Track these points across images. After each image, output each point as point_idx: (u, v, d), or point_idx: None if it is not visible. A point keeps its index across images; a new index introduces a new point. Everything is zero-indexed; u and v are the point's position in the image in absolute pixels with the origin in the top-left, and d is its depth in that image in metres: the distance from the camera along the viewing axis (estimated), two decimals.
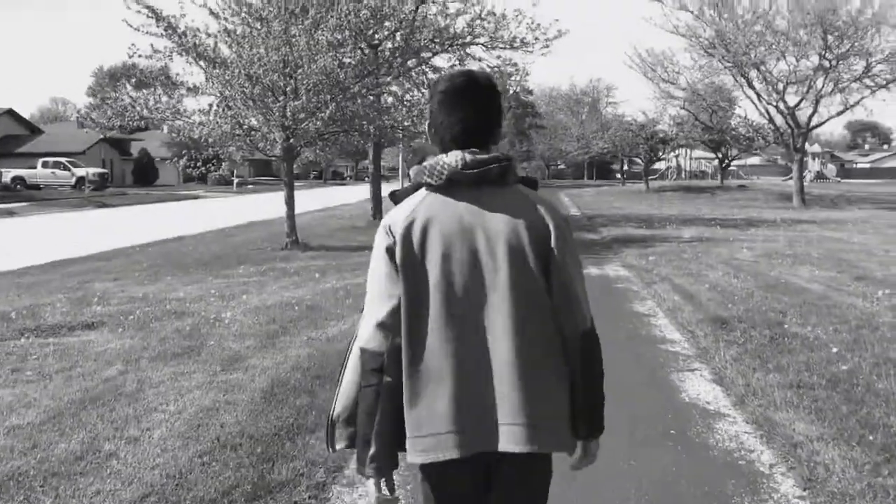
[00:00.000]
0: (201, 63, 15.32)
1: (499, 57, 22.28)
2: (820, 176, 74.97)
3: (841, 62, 32.57)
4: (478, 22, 19.89)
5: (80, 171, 50.28)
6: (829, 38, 31.52)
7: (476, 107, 2.24)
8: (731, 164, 55.86)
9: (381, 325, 2.16)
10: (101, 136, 58.12)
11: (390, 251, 2.16)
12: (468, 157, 2.15)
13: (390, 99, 16.90)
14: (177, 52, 15.32)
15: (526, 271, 2.14)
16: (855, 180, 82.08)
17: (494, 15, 19.78)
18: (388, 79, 17.44)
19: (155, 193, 48.42)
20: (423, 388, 2.14)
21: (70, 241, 18.37)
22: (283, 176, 16.07)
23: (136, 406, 5.61)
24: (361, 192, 48.20)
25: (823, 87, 33.08)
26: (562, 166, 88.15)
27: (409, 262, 2.13)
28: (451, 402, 2.12)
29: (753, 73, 33.13)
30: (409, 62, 19.47)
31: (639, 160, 67.88)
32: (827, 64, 32.31)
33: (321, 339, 7.60)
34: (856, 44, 32.08)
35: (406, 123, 16.24)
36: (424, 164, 2.21)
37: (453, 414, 2.12)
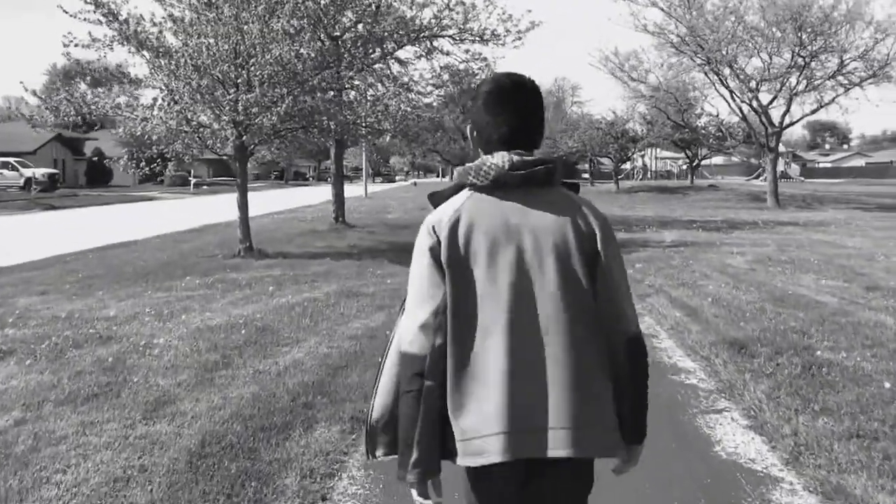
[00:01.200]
0: (145, 53, 13.96)
1: (467, 51, 21.12)
2: (784, 175, 74.89)
3: (814, 59, 31.92)
4: (446, 12, 18.69)
5: (29, 172, 48.12)
6: (803, 34, 30.83)
7: (523, 108, 2.23)
8: (702, 163, 55.27)
9: (424, 327, 2.12)
10: (53, 136, 56.22)
11: (434, 251, 2.13)
12: (515, 158, 2.14)
13: (353, 94, 15.54)
14: (118, 40, 13.95)
15: (573, 273, 2.11)
16: (818, 180, 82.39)
17: (464, 4, 18.58)
18: (351, 73, 16.14)
19: (108, 195, 46.51)
20: (471, 392, 2.10)
21: (5, 248, 16.83)
22: (237, 177, 14.70)
23: (24, 475, 4.31)
24: (324, 193, 46.78)
25: (797, 84, 32.41)
26: None
27: (454, 263, 2.11)
28: (499, 405, 2.06)
29: (727, 71, 32.34)
30: (372, 54, 18.21)
31: (606, 160, 67.33)
32: (801, 61, 31.63)
33: (270, 373, 6.32)
34: (829, 40, 31.46)
35: (370, 119, 14.94)
36: (469, 164, 2.19)
37: (502, 417, 2.06)
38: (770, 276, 11.41)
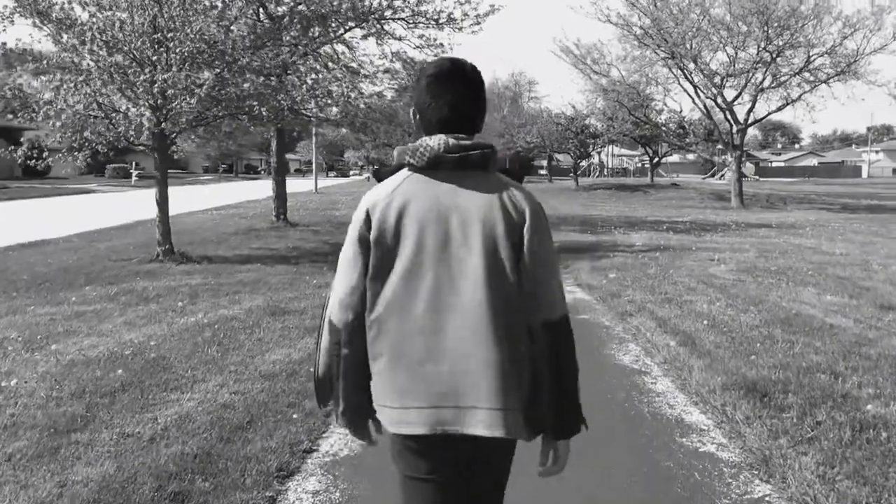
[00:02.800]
0: (48, 26, 12.11)
1: (421, 36, 19.48)
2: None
3: (780, 55, 30.87)
4: None
5: None
6: (769, 28, 29.73)
7: (463, 93, 2.25)
8: (662, 160, 54.29)
9: (341, 302, 2.20)
10: None
11: (364, 230, 2.18)
12: (451, 140, 2.18)
13: (292, 78, 13.72)
14: (18, 12, 12.09)
15: (498, 257, 2.13)
16: (771, 178, 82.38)
17: None
18: (294, 57, 14.37)
19: (41, 188, 43.83)
20: (392, 367, 2.16)
21: None
22: (155, 169, 12.86)
23: None
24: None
25: (763, 80, 31.34)
26: None
27: (382, 242, 2.16)
28: (418, 381, 2.14)
29: (691, 66, 31.14)
30: (316, 37, 16.45)
31: (562, 157, 66.13)
32: (766, 56, 30.55)
33: (141, 438, 4.63)
34: (796, 35, 30.43)
35: (309, 105, 13.20)
36: (408, 145, 2.23)
37: (420, 392, 2.13)
38: (764, 289, 9.98)
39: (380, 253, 2.15)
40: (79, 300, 9.23)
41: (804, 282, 10.57)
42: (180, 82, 11.10)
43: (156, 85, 11.24)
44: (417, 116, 2.29)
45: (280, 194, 20.40)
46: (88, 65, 11.42)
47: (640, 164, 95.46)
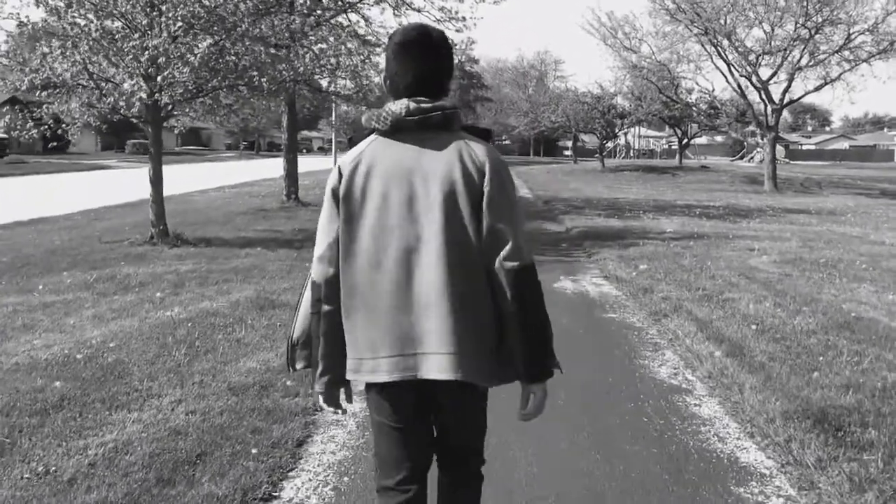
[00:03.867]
0: None
1: (442, 8, 18.38)
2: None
3: (819, 32, 29.38)
4: None
5: None
6: (808, 3, 28.24)
7: (427, 59, 2.34)
8: (691, 142, 52.78)
9: (321, 258, 2.36)
10: (7, 97, 52.44)
11: (335, 190, 2.33)
12: (412, 105, 2.28)
13: (299, 50, 12.61)
14: None
15: (458, 211, 2.24)
16: (802, 162, 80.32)
17: None
18: (305, 27, 13.34)
19: (59, 163, 43.25)
20: (356, 316, 2.31)
21: None
22: (150, 146, 11.92)
23: None
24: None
25: (801, 58, 29.89)
26: (507, 142, 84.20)
27: (349, 201, 2.29)
28: (379, 329, 2.27)
29: (725, 42, 29.75)
30: (327, 3, 15.42)
31: (586, 137, 64.61)
32: (805, 33, 29.08)
33: (60, 476, 3.70)
34: (836, 11, 28.93)
35: (317, 76, 12.19)
36: (373, 110, 2.36)
37: (380, 341, 2.27)
38: (814, 285, 8.92)
39: (349, 209, 2.29)
40: (51, 288, 8.35)
41: (858, 277, 9.48)
42: (174, 49, 10.14)
43: (146, 52, 10.30)
44: (387, 82, 2.40)
45: (291, 173, 19.44)
46: (74, 29, 10.47)
47: (667, 146, 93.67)
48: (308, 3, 14.30)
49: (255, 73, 10.81)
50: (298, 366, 2.52)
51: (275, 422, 4.46)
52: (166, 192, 20.76)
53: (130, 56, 10.31)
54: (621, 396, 5.17)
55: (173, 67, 10.31)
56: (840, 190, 32.90)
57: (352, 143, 2.44)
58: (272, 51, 11.56)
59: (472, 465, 2.55)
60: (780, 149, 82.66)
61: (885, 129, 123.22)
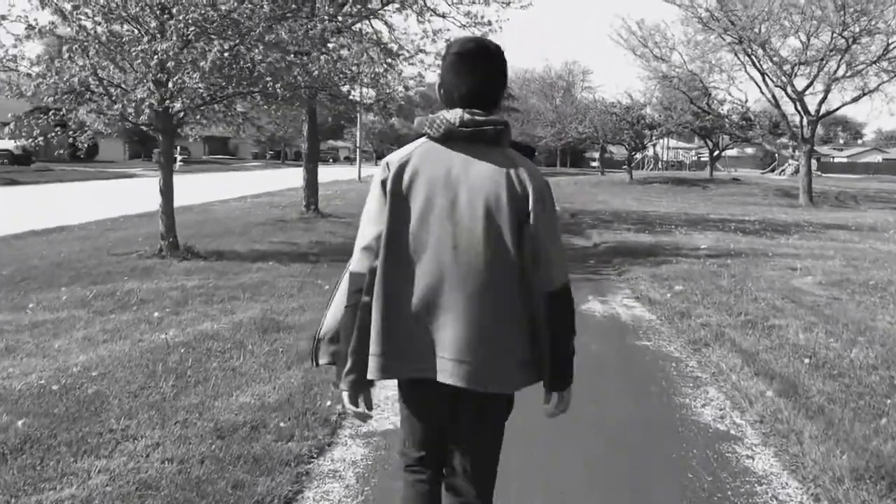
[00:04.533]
0: None
1: (467, 14, 17.83)
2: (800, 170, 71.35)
3: (856, 42, 28.48)
4: None
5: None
6: (846, 14, 27.34)
7: (483, 71, 2.40)
8: (722, 154, 51.76)
9: (367, 248, 2.37)
10: (34, 106, 52.54)
11: (384, 183, 2.36)
12: (466, 115, 2.33)
13: (321, 57, 11.95)
14: None
15: (499, 227, 2.30)
16: (834, 175, 78.75)
17: None
18: (327, 33, 12.80)
19: (85, 171, 43.28)
20: (388, 313, 2.33)
21: None
22: (160, 156, 11.46)
23: None
24: (320, 175, 43.47)
25: (838, 68, 29.00)
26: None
27: (395, 196, 2.34)
28: (412, 332, 2.33)
29: (760, 52, 28.93)
30: (350, 10, 14.89)
31: (614, 149, 63.67)
32: (842, 43, 28.19)
33: None
34: (874, 20, 28.04)
35: (338, 85, 11.65)
36: (428, 116, 2.40)
37: (413, 343, 2.33)
38: (866, 311, 8.21)
39: (393, 204, 2.33)
40: (46, 305, 7.85)
41: None
42: (184, 55, 9.64)
43: (156, 56, 9.82)
44: (442, 91, 2.47)
45: (311, 183, 18.93)
46: (81, 33, 10.03)
47: (695, 157, 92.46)
48: (329, 8, 13.79)
49: (270, 79, 10.28)
50: (322, 360, 2.56)
51: (262, 473, 3.87)
52: (188, 201, 20.43)
53: (139, 61, 9.82)
54: (661, 445, 4.53)
55: (183, 73, 9.81)
56: (877, 204, 31.91)
57: (399, 145, 2.51)
58: (290, 57, 11.02)
59: (481, 485, 2.55)
60: (812, 161, 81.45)
61: None
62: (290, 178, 42.11)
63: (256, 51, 10.42)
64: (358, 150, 45.85)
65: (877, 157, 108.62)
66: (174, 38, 9.53)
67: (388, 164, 2.38)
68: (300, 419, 4.62)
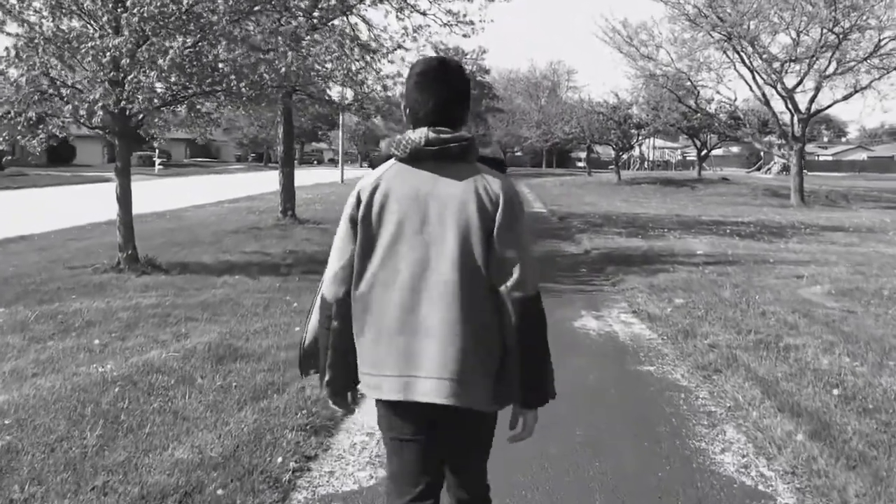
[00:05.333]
0: None
1: (449, 11, 17.10)
2: (787, 168, 70.94)
3: (846, 38, 27.88)
4: None
5: None
6: (837, 9, 26.72)
7: (446, 89, 2.43)
8: (710, 153, 51.18)
9: (334, 277, 2.42)
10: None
11: (353, 212, 2.39)
12: (431, 134, 2.36)
13: (290, 55, 10.97)
14: None
15: (469, 241, 2.31)
16: (820, 173, 78.40)
17: None
18: (301, 30, 11.98)
19: (61, 175, 42.28)
20: (365, 334, 2.39)
21: None
22: (117, 160, 10.63)
23: None
24: (300, 177, 42.56)
25: (828, 66, 28.40)
26: (518, 153, 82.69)
27: (366, 223, 2.37)
28: (383, 349, 2.36)
29: (749, 49, 28.30)
30: (327, 2, 14.09)
31: (599, 149, 63.03)
32: (834, 39, 27.59)
33: None
34: (864, 16, 27.46)
35: (307, 77, 10.82)
36: (394, 137, 2.46)
37: (384, 360, 2.36)
38: (886, 325, 7.49)
39: (365, 232, 2.37)
40: None
41: None
42: (141, 52, 8.82)
43: (107, 53, 8.99)
44: (407, 110, 2.48)
45: (287, 187, 18.05)
46: (23, 27, 9.20)
47: (681, 157, 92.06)
48: (304, 3, 13.00)
49: (234, 78, 9.47)
50: (311, 372, 2.61)
51: None
52: (162, 207, 19.54)
53: (90, 58, 8.99)
54: (676, 501, 3.77)
55: (139, 71, 8.99)
56: (868, 204, 31.37)
57: (371, 165, 2.53)
58: (260, 55, 10.19)
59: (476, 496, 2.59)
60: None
61: None
62: (272, 181, 41.11)
63: (220, 47, 9.61)
64: (340, 151, 44.96)
65: (861, 155, 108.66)
66: (127, 33, 8.70)
67: (359, 193, 2.40)
68: (245, 480, 3.84)
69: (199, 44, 9.69)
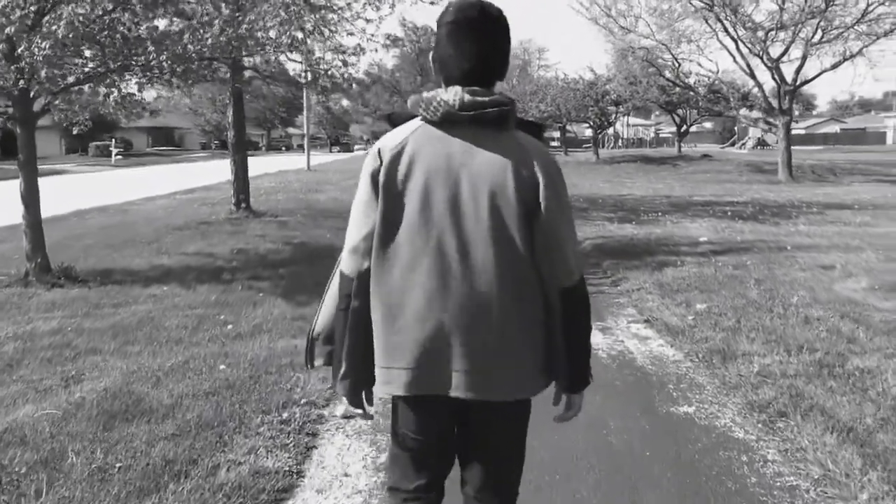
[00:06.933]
0: None
1: None
2: (762, 143, 69.93)
3: (833, 4, 26.51)
4: None
5: None
6: None
7: (486, 41, 2.09)
8: (689, 129, 49.87)
9: (355, 250, 2.12)
10: None
11: (375, 176, 2.08)
12: (467, 97, 2.04)
13: (217, 22, 9.12)
14: None
15: (507, 221, 2.04)
16: (794, 147, 77.58)
17: None
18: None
19: (9, 168, 39.97)
20: (387, 320, 2.08)
21: None
22: (20, 150, 8.91)
23: None
24: (266, 164, 40.73)
25: (815, 33, 27.04)
26: None
27: (389, 190, 2.06)
28: (411, 341, 2.06)
29: (732, 17, 26.86)
30: None
31: (573, 127, 61.60)
32: (820, 3, 26.20)
33: None
34: None
35: (253, 46, 9.16)
36: (423, 95, 2.09)
37: (412, 353, 2.06)
38: None
39: (387, 199, 2.05)
40: None
41: None
42: (26, 16, 7.12)
43: None
44: (436, 65, 2.15)
45: (240, 177, 16.23)
46: None
47: (655, 134, 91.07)
48: None
49: (152, 49, 7.78)
50: (318, 362, 2.36)
51: None
52: (108, 201, 17.70)
53: None
54: None
55: (32, 43, 7.27)
56: (857, 177, 30.13)
57: (391, 121, 2.17)
58: (186, 22, 8.51)
59: (504, 497, 2.31)
60: (771, 136, 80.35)
61: (873, 112, 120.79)
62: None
63: (130, 18, 7.90)
64: (306, 136, 43.05)
65: (834, 128, 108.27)
66: None
67: (380, 151, 2.08)
68: None
69: (108, 8, 7.99)
